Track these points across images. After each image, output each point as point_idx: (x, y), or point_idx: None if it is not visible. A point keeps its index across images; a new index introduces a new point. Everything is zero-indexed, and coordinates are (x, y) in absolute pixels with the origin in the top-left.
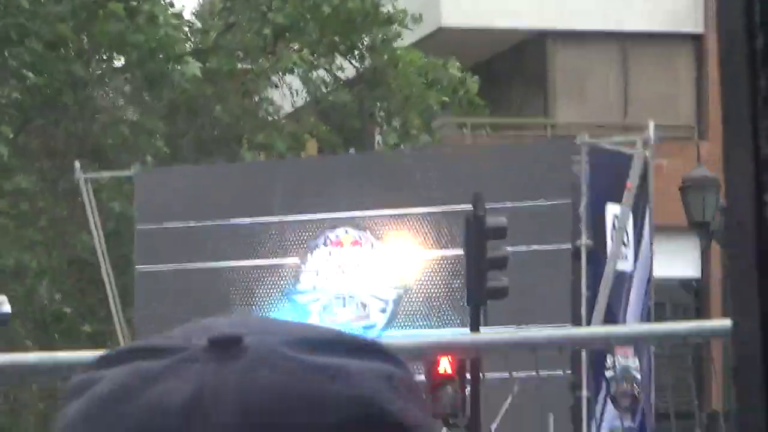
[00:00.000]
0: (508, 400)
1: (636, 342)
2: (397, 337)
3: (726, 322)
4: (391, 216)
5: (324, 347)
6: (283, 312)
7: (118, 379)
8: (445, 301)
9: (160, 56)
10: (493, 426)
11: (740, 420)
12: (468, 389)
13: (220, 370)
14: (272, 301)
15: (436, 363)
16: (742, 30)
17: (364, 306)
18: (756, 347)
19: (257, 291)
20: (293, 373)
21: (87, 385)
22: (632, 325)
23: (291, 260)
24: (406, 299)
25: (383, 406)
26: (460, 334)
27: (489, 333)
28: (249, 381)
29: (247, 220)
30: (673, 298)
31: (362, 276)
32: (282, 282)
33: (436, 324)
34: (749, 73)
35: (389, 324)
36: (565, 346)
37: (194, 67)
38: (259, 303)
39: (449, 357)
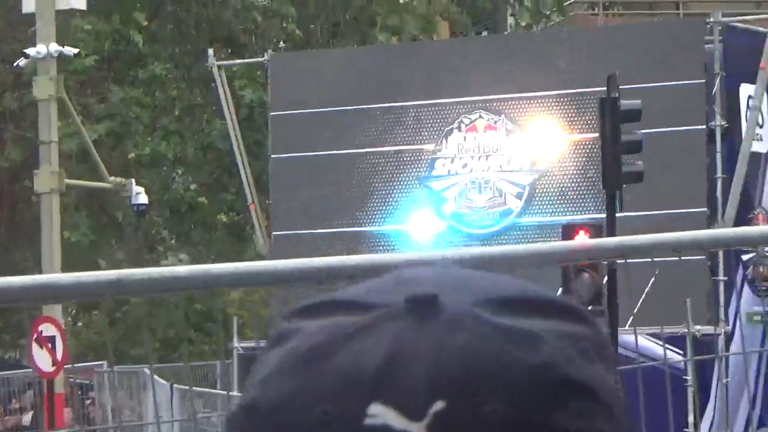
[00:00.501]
0: (648, 286)
1: None
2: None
3: None
4: (525, 98)
5: (514, 307)
6: (418, 199)
7: (316, 335)
8: (581, 186)
9: None
10: (634, 311)
11: None
12: (606, 276)
13: (416, 330)
14: (408, 188)
15: None
16: None
17: (500, 191)
18: None
19: (393, 178)
20: (485, 337)
21: (285, 337)
22: None
23: (426, 146)
24: (541, 184)
25: (567, 371)
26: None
27: (631, 237)
28: (444, 344)
29: (383, 106)
30: None
31: (497, 161)
32: (417, 168)
33: (572, 210)
34: None
35: (525, 210)
36: (711, 247)
37: None
38: (395, 190)
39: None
